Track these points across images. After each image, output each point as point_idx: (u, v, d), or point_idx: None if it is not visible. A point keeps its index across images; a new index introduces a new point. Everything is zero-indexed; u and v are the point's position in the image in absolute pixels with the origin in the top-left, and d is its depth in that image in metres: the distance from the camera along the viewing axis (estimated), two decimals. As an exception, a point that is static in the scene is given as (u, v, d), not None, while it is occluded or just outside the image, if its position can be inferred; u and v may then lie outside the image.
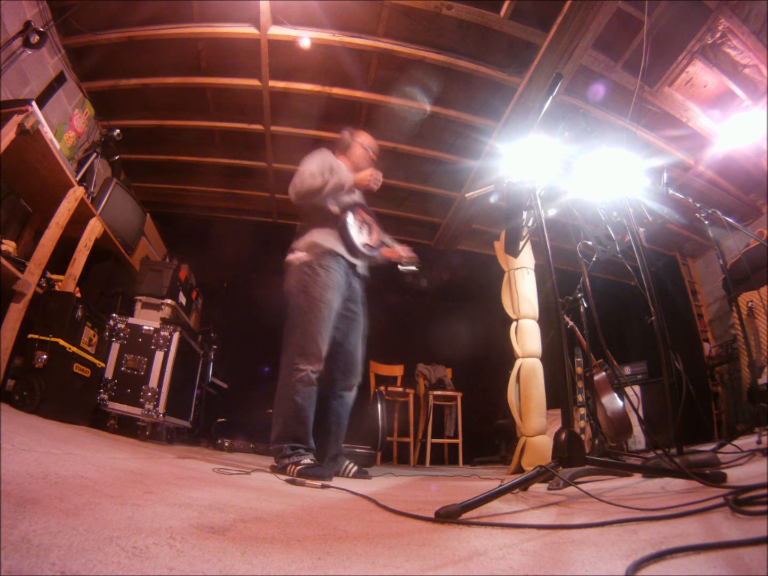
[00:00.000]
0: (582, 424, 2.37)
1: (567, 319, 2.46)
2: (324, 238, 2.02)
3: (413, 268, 2.30)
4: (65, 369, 2.02)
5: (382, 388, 4.01)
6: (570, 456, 1.00)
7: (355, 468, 1.99)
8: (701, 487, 0.95)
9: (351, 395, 2.09)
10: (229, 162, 4.16)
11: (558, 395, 1.11)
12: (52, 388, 1.85)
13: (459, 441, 4.02)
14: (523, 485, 1.15)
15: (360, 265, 2.15)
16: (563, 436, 1.03)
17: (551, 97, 1.50)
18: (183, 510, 0.73)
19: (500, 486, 0.89)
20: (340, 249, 2.03)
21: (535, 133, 1.43)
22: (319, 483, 1.40)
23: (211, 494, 0.97)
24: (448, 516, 0.80)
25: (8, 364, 1.88)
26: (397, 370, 4.56)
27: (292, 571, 0.50)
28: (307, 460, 1.72)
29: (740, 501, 0.70)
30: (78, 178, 2.54)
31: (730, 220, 2.25)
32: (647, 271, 1.54)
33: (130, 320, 2.65)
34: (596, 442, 2.35)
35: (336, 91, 3.36)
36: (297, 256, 2.02)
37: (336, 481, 1.64)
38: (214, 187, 4.51)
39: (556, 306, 1.13)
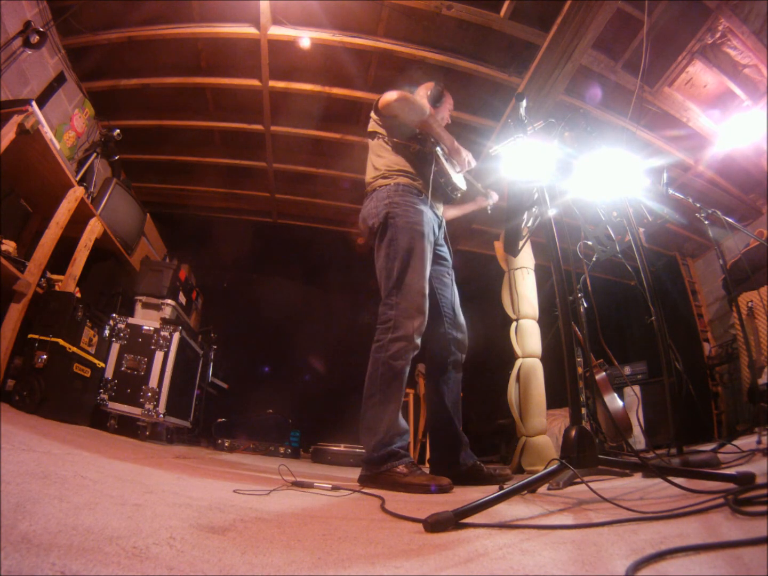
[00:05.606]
0: (582, 423, 2.37)
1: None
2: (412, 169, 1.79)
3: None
4: (65, 369, 2.02)
5: (382, 388, 3.99)
6: (581, 456, 0.91)
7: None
8: (702, 487, 0.94)
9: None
10: (229, 162, 4.16)
11: (558, 395, 1.10)
12: (52, 388, 1.86)
13: (459, 441, 4.01)
14: (530, 488, 1.13)
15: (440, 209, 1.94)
16: (573, 433, 0.93)
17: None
18: (183, 510, 0.73)
19: (502, 491, 0.88)
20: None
21: (535, 134, 1.43)
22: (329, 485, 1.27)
23: (211, 494, 0.97)
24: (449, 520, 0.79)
25: (8, 364, 1.88)
26: (397, 370, 4.54)
27: (291, 571, 0.50)
28: (409, 459, 1.44)
29: (740, 501, 0.70)
30: (78, 178, 2.54)
31: (730, 220, 2.25)
32: (647, 271, 1.54)
33: (130, 320, 2.65)
34: (596, 441, 2.35)
35: (336, 91, 3.36)
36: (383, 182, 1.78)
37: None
38: (214, 187, 4.50)
39: (564, 303, 1.10)
